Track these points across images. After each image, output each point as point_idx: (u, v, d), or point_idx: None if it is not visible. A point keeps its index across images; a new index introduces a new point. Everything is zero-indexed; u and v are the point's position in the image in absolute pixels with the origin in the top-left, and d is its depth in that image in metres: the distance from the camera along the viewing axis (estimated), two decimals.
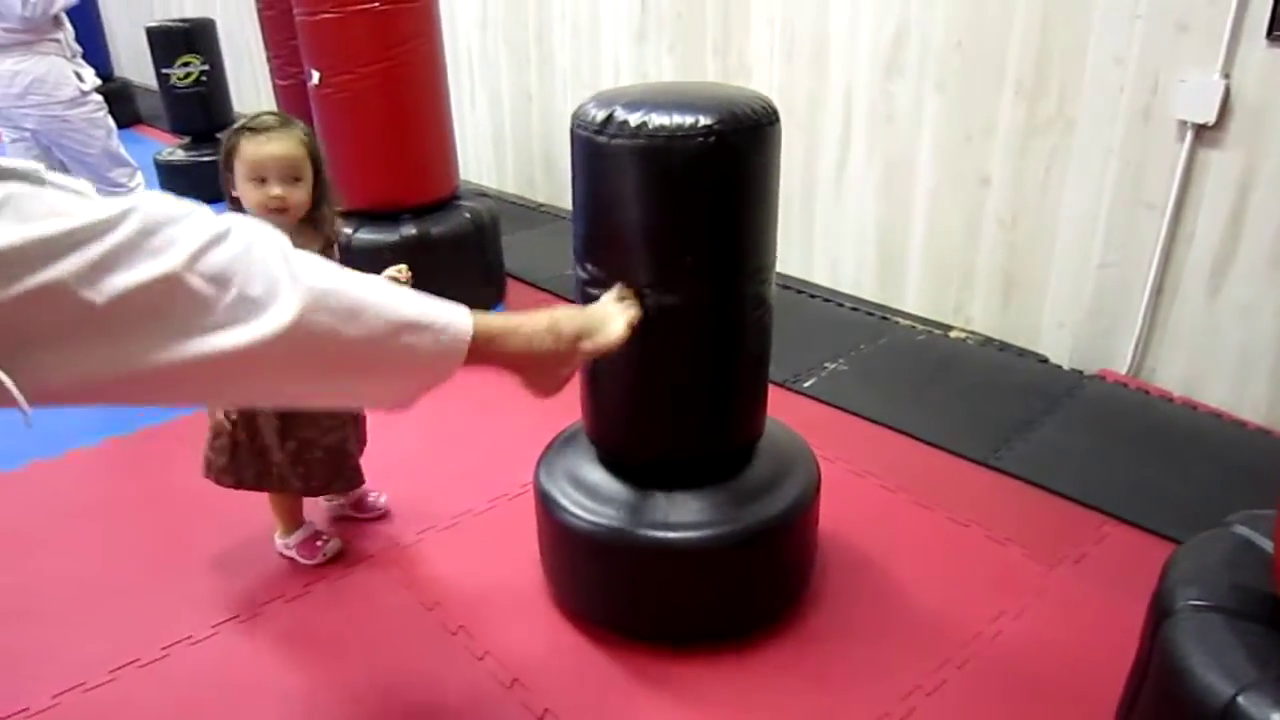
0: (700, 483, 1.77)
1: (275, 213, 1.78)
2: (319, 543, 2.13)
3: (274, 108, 4.46)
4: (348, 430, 2.07)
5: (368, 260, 1.90)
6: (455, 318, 1.08)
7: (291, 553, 2.13)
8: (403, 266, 1.99)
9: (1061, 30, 2.69)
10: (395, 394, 1.08)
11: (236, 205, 1.81)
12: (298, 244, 1.71)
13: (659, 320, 1.62)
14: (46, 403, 0.78)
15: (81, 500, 2.44)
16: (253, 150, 1.77)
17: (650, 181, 1.53)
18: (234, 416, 1.93)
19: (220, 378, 0.88)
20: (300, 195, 1.82)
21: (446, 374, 1.09)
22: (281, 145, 1.78)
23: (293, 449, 1.97)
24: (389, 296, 1.00)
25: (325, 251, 1.88)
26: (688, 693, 1.73)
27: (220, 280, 0.84)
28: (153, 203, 0.85)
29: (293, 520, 2.14)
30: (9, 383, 0.72)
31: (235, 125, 1.82)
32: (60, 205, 0.79)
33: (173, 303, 0.82)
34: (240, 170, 1.78)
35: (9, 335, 0.73)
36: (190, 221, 0.85)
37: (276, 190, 1.78)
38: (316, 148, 1.85)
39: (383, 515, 2.29)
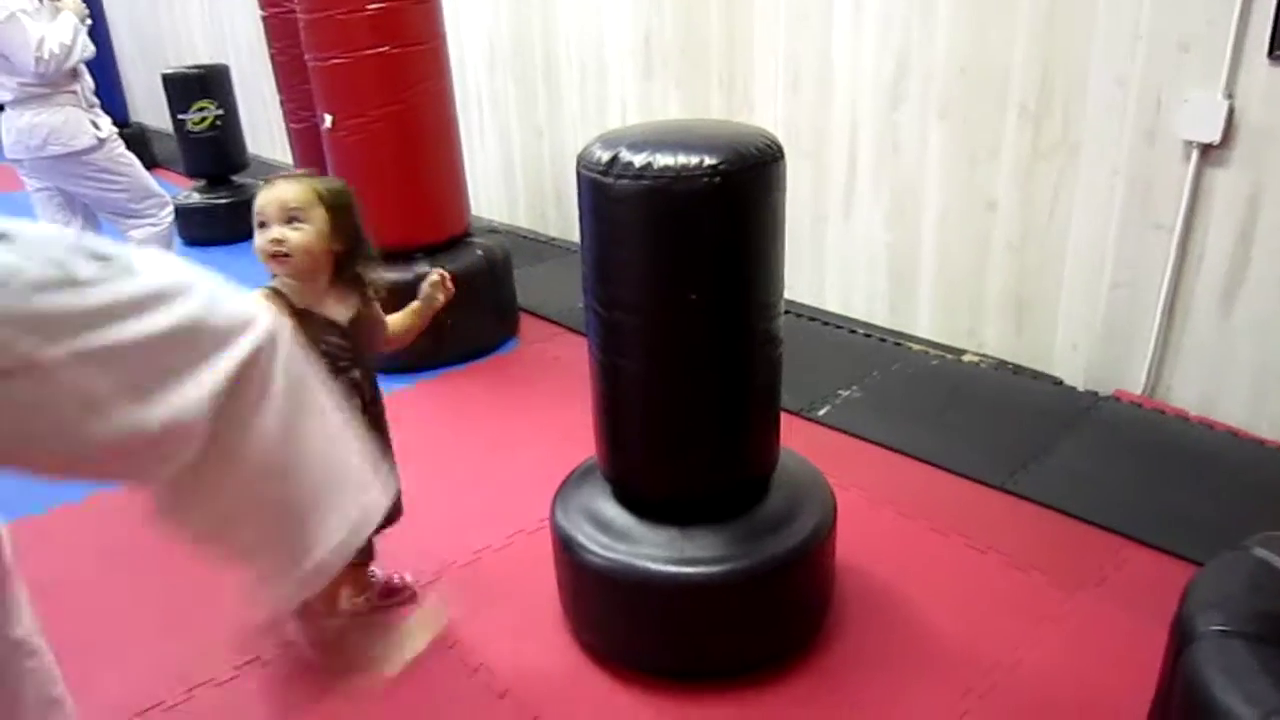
0: (716, 517, 1.77)
1: (277, 259, 1.70)
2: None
3: (288, 151, 4.53)
4: None
5: (384, 300, 1.91)
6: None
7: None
8: (443, 271, 1.99)
9: (1063, 53, 2.71)
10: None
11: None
12: (328, 299, 1.71)
13: (668, 356, 1.64)
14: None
15: (105, 544, 2.46)
16: (259, 197, 1.74)
17: (656, 221, 1.56)
18: None
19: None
20: (300, 239, 1.70)
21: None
22: (284, 189, 1.72)
23: None
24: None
25: (365, 307, 1.84)
26: None
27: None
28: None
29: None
30: None
31: None
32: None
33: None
34: (255, 219, 1.74)
35: None
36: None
37: (274, 233, 1.69)
38: (337, 198, 1.77)
39: (414, 596, 2.12)
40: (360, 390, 1.85)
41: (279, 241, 1.69)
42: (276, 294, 1.72)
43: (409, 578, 2.14)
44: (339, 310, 1.80)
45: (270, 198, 1.72)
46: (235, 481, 0.75)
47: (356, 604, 2.04)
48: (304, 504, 0.80)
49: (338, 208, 1.76)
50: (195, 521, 0.78)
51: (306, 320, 1.73)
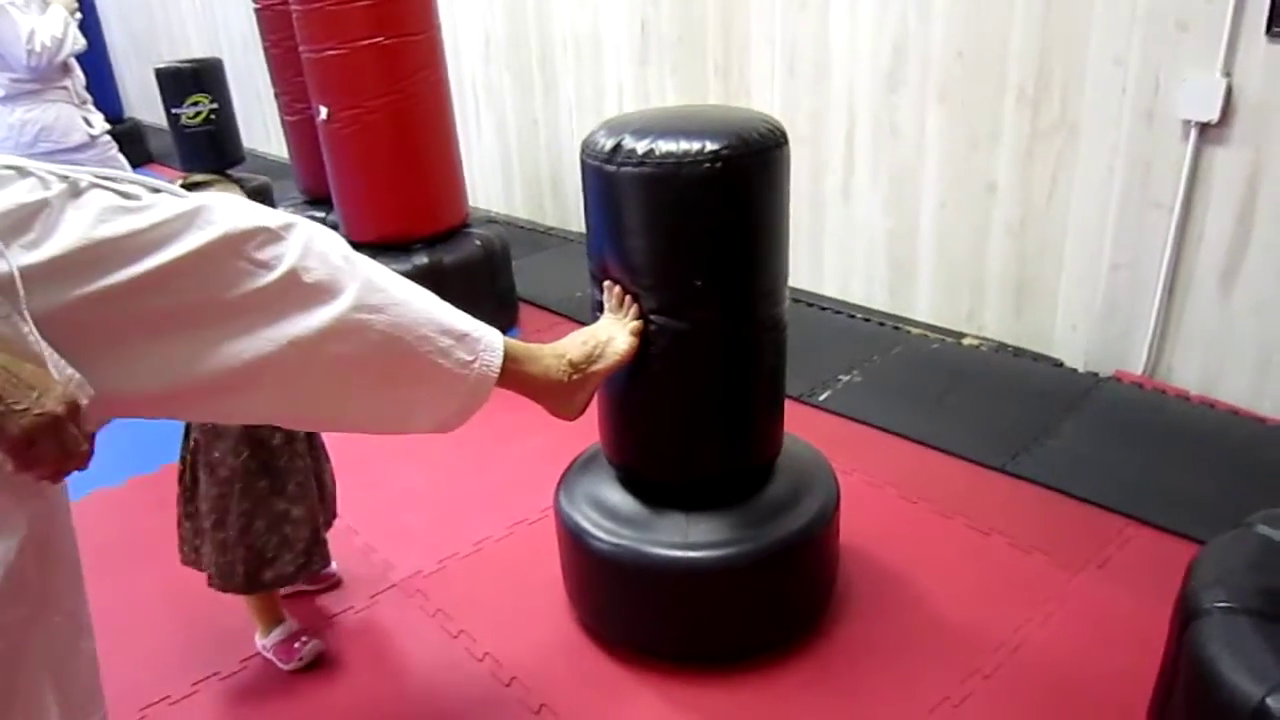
0: (720, 502, 1.78)
1: None
2: (296, 644, 1.91)
3: (284, 144, 4.52)
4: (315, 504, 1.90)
5: None
6: (491, 334, 1.20)
7: (269, 654, 1.93)
8: None
9: (1061, 34, 2.70)
10: (437, 407, 1.15)
11: None
12: None
13: (674, 343, 1.64)
14: (122, 412, 0.85)
15: (108, 539, 2.47)
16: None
17: (659, 208, 1.55)
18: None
19: (287, 372, 0.95)
20: None
21: (482, 389, 1.19)
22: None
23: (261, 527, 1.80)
24: (434, 301, 1.12)
25: None
26: (714, 713, 1.73)
27: (283, 269, 0.93)
28: (220, 203, 0.93)
29: (270, 616, 1.93)
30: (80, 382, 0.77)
31: None
32: (136, 203, 0.87)
33: (243, 294, 0.88)
34: None
35: (88, 333, 0.81)
36: (254, 218, 0.93)
37: None
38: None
39: (336, 584, 2.15)
40: None
41: None
42: None
43: (334, 566, 2.13)
44: None
45: None
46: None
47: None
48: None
49: None
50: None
51: None
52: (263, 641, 1.93)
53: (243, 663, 1.95)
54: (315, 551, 1.85)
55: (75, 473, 0.85)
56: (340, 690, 1.87)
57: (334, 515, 2.02)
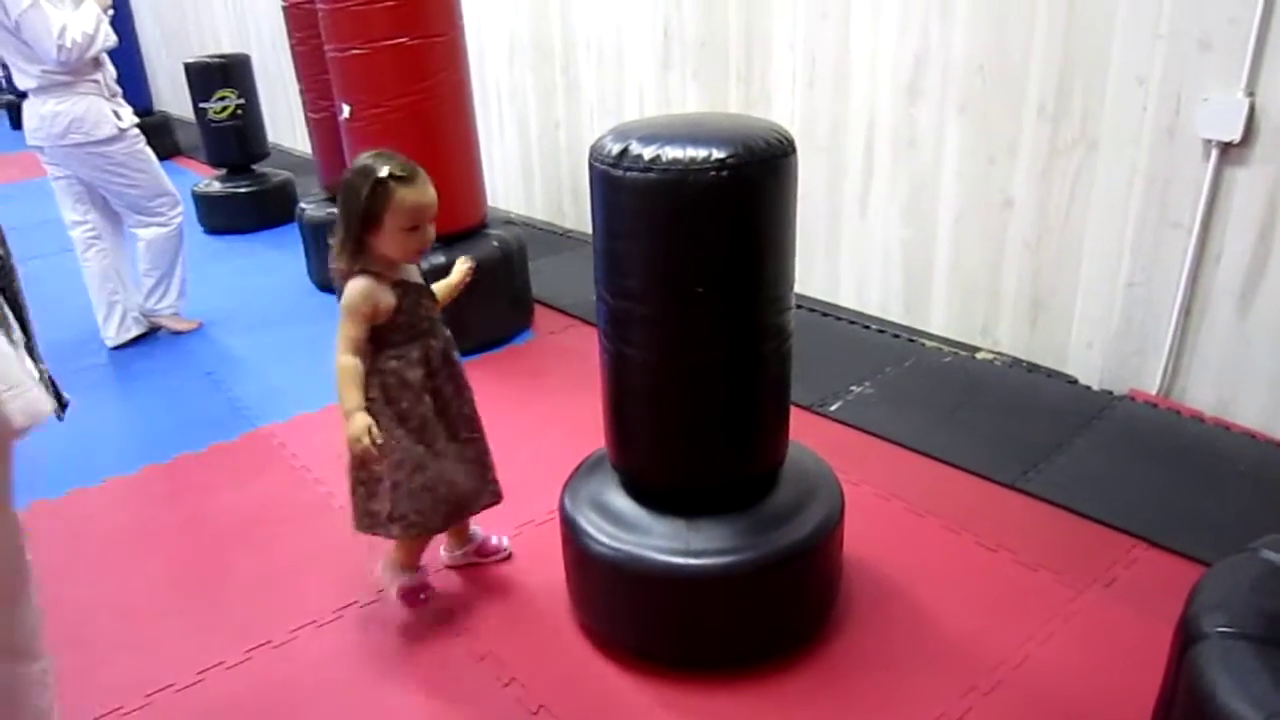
0: (723, 509, 1.78)
1: (421, 253, 1.86)
2: (424, 595, 2.07)
3: (308, 140, 4.56)
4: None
5: None
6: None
7: (391, 591, 2.06)
8: (469, 261, 2.07)
9: (1083, 51, 2.69)
10: None
11: (359, 251, 1.79)
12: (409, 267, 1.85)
13: (677, 349, 1.64)
14: None
15: (120, 527, 2.50)
16: (414, 198, 1.76)
17: (665, 214, 1.56)
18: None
19: None
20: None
21: None
22: (428, 192, 1.80)
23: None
24: None
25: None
26: (712, 719, 1.73)
27: None
28: None
29: (411, 558, 2.07)
30: None
31: (373, 174, 1.75)
32: None
33: None
34: (395, 219, 1.75)
35: None
36: None
37: (431, 232, 1.82)
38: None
39: (509, 557, 2.24)
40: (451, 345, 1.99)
41: (431, 240, 1.84)
42: (379, 276, 1.82)
43: (506, 541, 2.25)
44: (415, 273, 1.93)
45: (424, 202, 1.79)
46: None
47: (455, 557, 2.20)
48: None
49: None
50: None
51: (409, 289, 1.87)
52: (389, 575, 2.07)
53: (247, 653, 1.97)
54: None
55: None
56: (342, 685, 1.89)
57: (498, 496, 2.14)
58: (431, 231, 1.82)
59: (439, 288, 2.02)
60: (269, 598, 2.15)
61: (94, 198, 3.59)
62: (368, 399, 1.82)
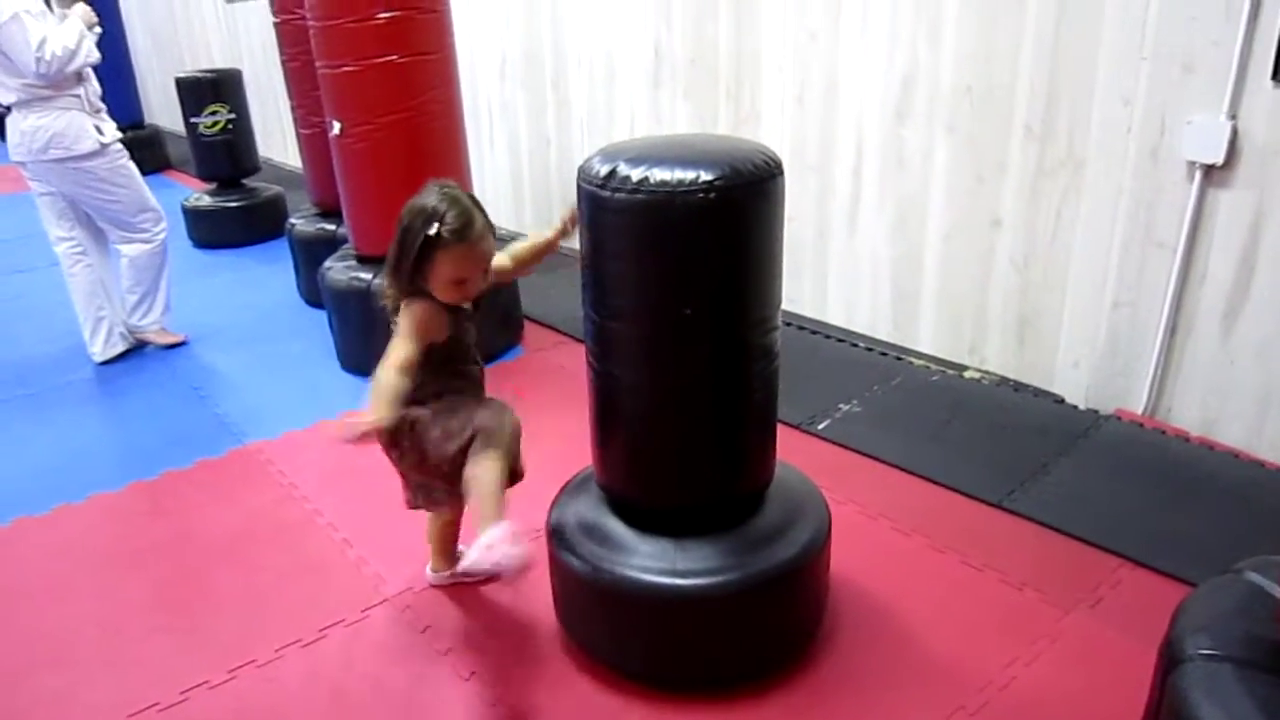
0: (710, 529, 1.78)
1: (468, 298, 1.84)
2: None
3: (298, 155, 4.56)
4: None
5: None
6: None
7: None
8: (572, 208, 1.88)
9: (1069, 73, 2.72)
10: None
11: (412, 290, 1.77)
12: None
13: (664, 370, 1.65)
14: None
15: (105, 544, 2.48)
16: (462, 257, 1.74)
17: (651, 236, 1.57)
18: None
19: None
20: (491, 273, 1.85)
21: None
22: (483, 249, 1.77)
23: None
24: None
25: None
26: None
27: None
28: None
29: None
30: None
31: (426, 222, 1.71)
32: None
33: None
34: (442, 273, 1.74)
35: None
36: None
37: (480, 285, 1.81)
38: (491, 224, 1.83)
39: (496, 577, 2.04)
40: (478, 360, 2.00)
41: (478, 289, 1.83)
42: (431, 298, 1.79)
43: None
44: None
45: (473, 261, 1.76)
46: None
47: (442, 577, 2.20)
48: None
49: (493, 230, 1.83)
50: None
51: (456, 314, 1.85)
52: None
53: (230, 673, 1.96)
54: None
55: None
56: (325, 703, 1.88)
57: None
58: (481, 284, 1.82)
59: (525, 247, 2.01)
60: (254, 616, 2.14)
61: (78, 214, 3.58)
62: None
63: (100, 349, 3.71)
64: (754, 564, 1.73)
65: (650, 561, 1.74)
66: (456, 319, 1.85)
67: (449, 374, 1.89)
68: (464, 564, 2.03)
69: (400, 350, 1.75)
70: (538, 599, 2.05)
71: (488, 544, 1.64)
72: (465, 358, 1.93)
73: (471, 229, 1.73)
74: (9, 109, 3.39)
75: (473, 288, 1.81)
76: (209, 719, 1.85)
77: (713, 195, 1.50)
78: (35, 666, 2.01)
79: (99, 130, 3.44)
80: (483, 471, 1.77)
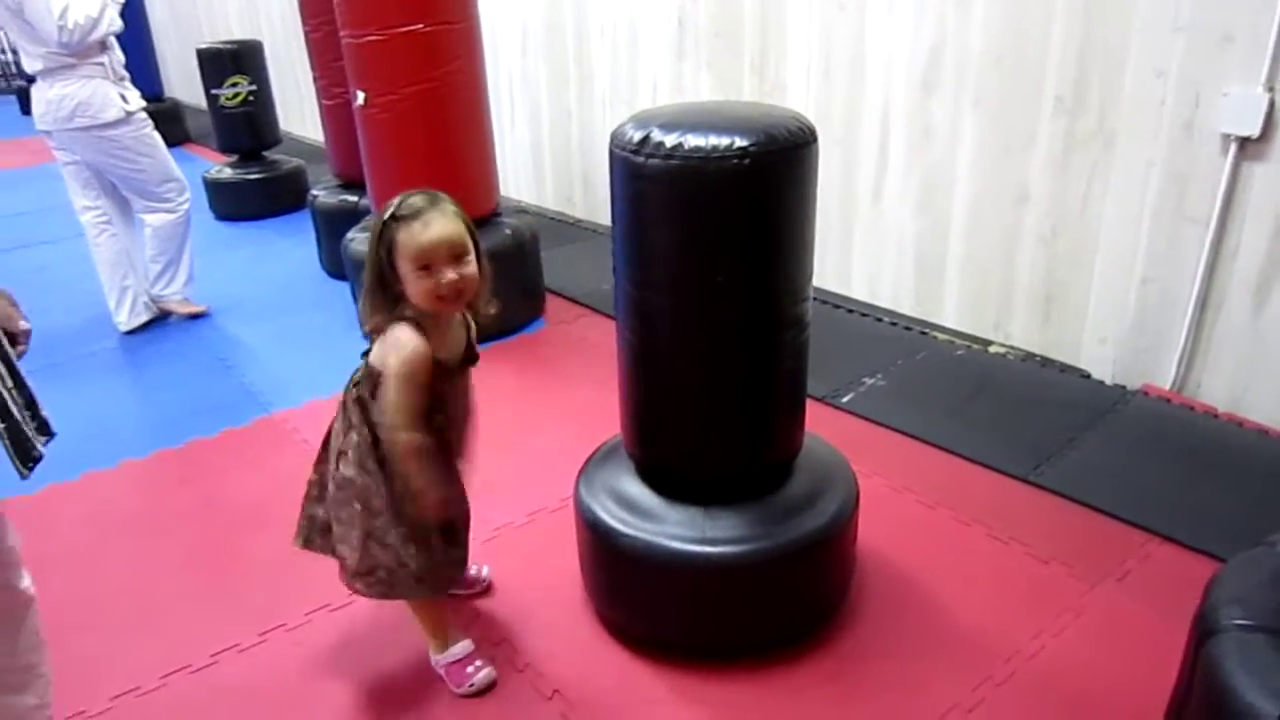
0: (739, 498, 1.78)
1: (452, 299, 1.60)
2: (470, 669, 1.82)
3: (319, 127, 4.56)
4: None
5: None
6: None
7: (441, 671, 1.84)
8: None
9: (1101, 43, 2.68)
10: None
11: (395, 300, 1.62)
12: (452, 324, 1.68)
13: (695, 338, 1.65)
14: None
15: (133, 511, 2.51)
16: (416, 237, 1.56)
17: (685, 202, 1.56)
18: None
19: None
20: (473, 269, 1.62)
21: None
22: (447, 228, 1.58)
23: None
24: None
25: (468, 337, 1.75)
26: (725, 707, 1.74)
27: None
28: None
29: (444, 629, 1.87)
30: None
31: (384, 211, 1.62)
32: None
33: None
34: (404, 260, 1.58)
35: None
36: None
37: (450, 275, 1.57)
38: (470, 222, 1.66)
39: (487, 589, 2.09)
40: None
41: (457, 281, 1.59)
42: (420, 327, 1.61)
43: (485, 571, 2.12)
44: (455, 346, 1.72)
45: (437, 240, 1.57)
46: None
47: None
48: None
49: (474, 233, 1.65)
50: None
51: (444, 373, 1.67)
52: (437, 658, 1.86)
53: (261, 636, 1.99)
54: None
55: None
56: (355, 669, 1.90)
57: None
58: (452, 275, 1.58)
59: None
60: (283, 581, 2.16)
61: (103, 183, 3.60)
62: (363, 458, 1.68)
63: (125, 319, 3.74)
64: (783, 533, 1.74)
65: (680, 530, 1.74)
66: (440, 368, 1.64)
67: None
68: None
69: (398, 403, 1.58)
70: (565, 567, 2.06)
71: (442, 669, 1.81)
72: (436, 416, 1.69)
73: (433, 207, 1.59)
74: (33, 79, 3.40)
75: (447, 284, 1.58)
76: (240, 681, 1.88)
77: (747, 161, 1.48)
78: (67, 630, 2.04)
79: (124, 99, 3.44)
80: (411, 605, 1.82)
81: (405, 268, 1.58)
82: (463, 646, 1.85)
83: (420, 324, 1.61)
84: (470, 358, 1.76)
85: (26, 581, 1.37)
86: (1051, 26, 2.77)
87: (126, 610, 2.11)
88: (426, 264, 1.57)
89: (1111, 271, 2.83)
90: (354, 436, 1.70)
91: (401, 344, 1.59)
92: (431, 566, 1.74)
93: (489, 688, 1.81)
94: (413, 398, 1.59)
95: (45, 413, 1.31)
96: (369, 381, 1.67)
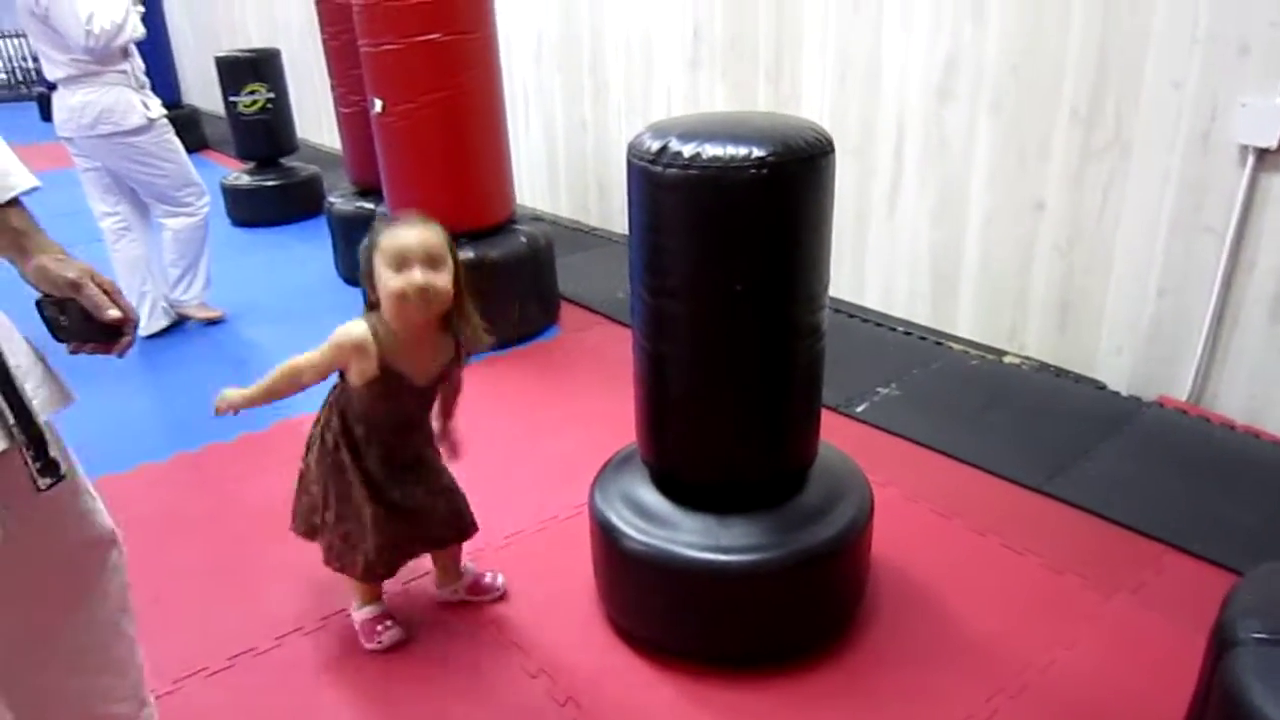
0: (753, 506, 1.79)
1: (419, 303, 1.67)
2: (380, 627, 1.96)
3: (336, 135, 4.59)
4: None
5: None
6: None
7: (356, 626, 2.00)
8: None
9: (1118, 54, 2.68)
10: None
11: (370, 309, 1.75)
12: (429, 347, 1.76)
13: (712, 346, 1.65)
14: None
15: (150, 513, 2.53)
16: (392, 238, 1.67)
17: (703, 211, 1.57)
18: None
19: None
20: (444, 282, 1.69)
21: None
22: (426, 232, 1.68)
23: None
24: None
25: (453, 361, 1.84)
26: (738, 715, 1.74)
27: None
28: None
29: (370, 592, 2.00)
30: None
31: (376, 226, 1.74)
32: None
33: None
34: (380, 261, 1.67)
35: None
36: None
37: (419, 275, 1.64)
38: (455, 249, 1.74)
39: (501, 597, 2.11)
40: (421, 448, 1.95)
41: (425, 285, 1.66)
42: (377, 336, 1.71)
43: (500, 580, 2.13)
44: (429, 366, 1.80)
45: (415, 240, 1.66)
46: None
47: (445, 594, 2.10)
48: None
49: (456, 257, 1.74)
50: None
51: (389, 378, 1.74)
52: (356, 614, 2.01)
53: (278, 640, 2.00)
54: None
55: None
56: (370, 673, 1.91)
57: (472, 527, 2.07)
58: (420, 275, 1.65)
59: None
60: (299, 586, 2.17)
61: (122, 189, 3.63)
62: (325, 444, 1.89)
63: (144, 323, 3.77)
64: (796, 542, 1.74)
65: (694, 537, 1.75)
66: (387, 381, 1.74)
67: (381, 437, 1.83)
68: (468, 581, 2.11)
69: (311, 355, 1.72)
70: (579, 573, 2.06)
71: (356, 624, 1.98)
72: (398, 431, 1.85)
73: (420, 220, 1.70)
74: (54, 86, 3.44)
75: (414, 286, 1.64)
76: (256, 684, 1.89)
77: (765, 171, 1.49)
78: None
79: (146, 105, 3.48)
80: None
81: (381, 269, 1.68)
82: (374, 607, 1.99)
83: (378, 331, 1.71)
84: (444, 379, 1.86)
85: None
86: (1068, 36, 2.77)
87: (142, 612, 2.11)
88: (400, 262, 1.66)
89: (1128, 282, 2.82)
90: (317, 429, 1.91)
91: (346, 327, 1.72)
92: (369, 547, 1.87)
93: (394, 647, 1.95)
94: (327, 358, 1.72)
95: (54, 453, 1.24)
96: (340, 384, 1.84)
